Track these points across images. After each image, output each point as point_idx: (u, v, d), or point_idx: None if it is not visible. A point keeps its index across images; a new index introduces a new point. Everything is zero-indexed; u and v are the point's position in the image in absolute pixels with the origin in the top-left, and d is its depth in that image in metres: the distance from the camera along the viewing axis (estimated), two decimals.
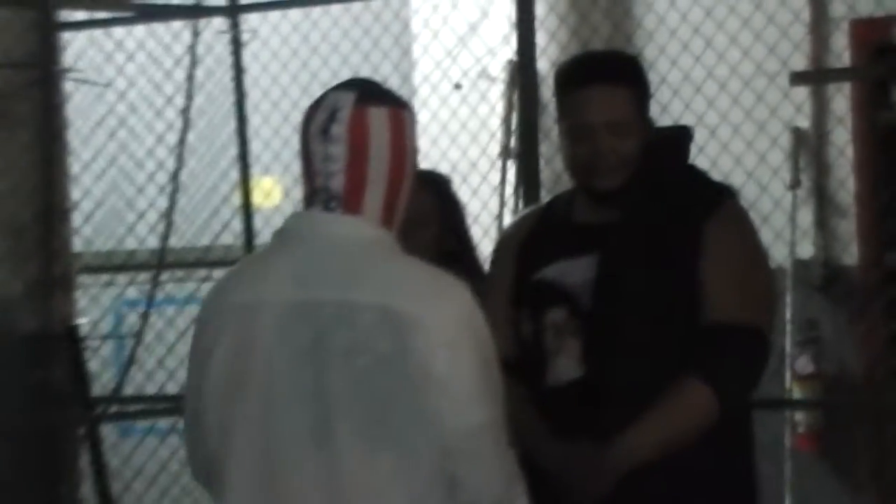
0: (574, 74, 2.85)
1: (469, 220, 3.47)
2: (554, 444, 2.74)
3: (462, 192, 4.23)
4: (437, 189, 3.27)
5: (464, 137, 5.11)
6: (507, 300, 2.90)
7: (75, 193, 4.91)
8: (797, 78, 4.45)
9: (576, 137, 2.80)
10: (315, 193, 2.27)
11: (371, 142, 2.23)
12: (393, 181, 2.26)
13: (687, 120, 4.03)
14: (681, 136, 2.96)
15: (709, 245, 2.75)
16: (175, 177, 5.25)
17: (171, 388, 4.92)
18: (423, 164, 5.15)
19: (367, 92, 2.27)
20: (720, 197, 2.84)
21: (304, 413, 2.16)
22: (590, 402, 2.75)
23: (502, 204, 5.49)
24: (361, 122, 2.23)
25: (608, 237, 2.80)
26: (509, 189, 5.31)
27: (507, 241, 3.01)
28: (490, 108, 5.29)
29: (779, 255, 4.83)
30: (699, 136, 3.32)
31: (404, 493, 2.16)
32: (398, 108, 2.28)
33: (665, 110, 4.22)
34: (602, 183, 2.81)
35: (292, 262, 2.25)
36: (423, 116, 5.48)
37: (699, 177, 2.92)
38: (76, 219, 4.94)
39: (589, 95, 2.79)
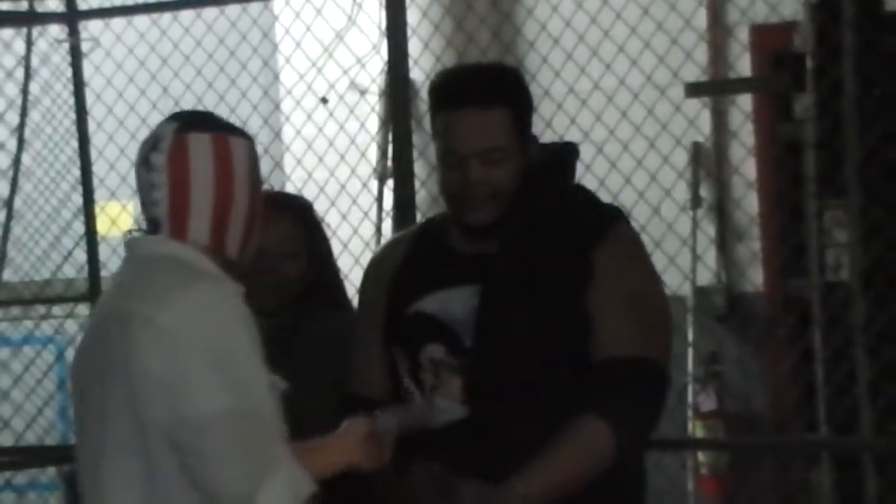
0: (443, 94, 2.79)
1: (338, 248, 3.40)
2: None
3: (330, 217, 4.12)
4: (301, 216, 3.21)
5: (331, 156, 5.00)
6: (378, 335, 2.84)
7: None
8: (693, 89, 4.44)
9: (447, 163, 2.77)
10: (146, 221, 2.47)
11: (191, 167, 2.41)
12: (219, 207, 2.43)
13: (573, 136, 3.95)
14: (565, 154, 2.90)
15: (597, 274, 2.73)
16: (9, 203, 5.15)
17: (6, 440, 4.74)
18: (288, 186, 5.06)
19: (191, 120, 2.48)
20: (608, 221, 2.80)
21: (88, 424, 2.44)
22: (472, 443, 2.71)
23: (379, 229, 5.40)
24: (181, 148, 2.42)
25: (489, 267, 2.76)
26: (384, 212, 5.21)
27: (376, 271, 2.94)
28: (360, 123, 5.19)
29: (675, 281, 4.78)
30: (586, 154, 3.27)
31: (131, 487, 2.36)
32: (224, 135, 2.45)
33: (549, 126, 4.15)
34: (474, 217, 2.76)
35: (112, 283, 2.52)
36: (287, 133, 5.36)
37: (586, 198, 2.87)
38: None
39: (459, 120, 2.74)
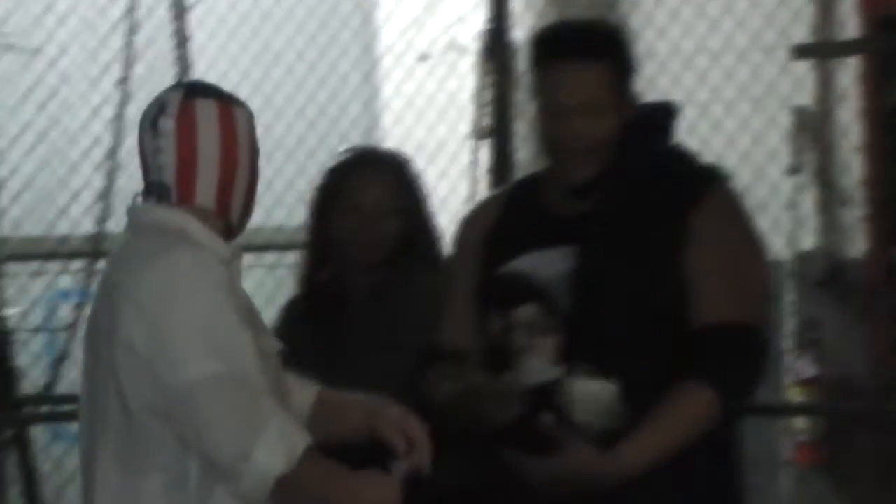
0: (546, 48, 2.80)
1: (436, 206, 3.41)
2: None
3: (429, 175, 4.16)
4: (397, 173, 3.23)
5: (431, 114, 5.04)
6: (470, 297, 2.86)
7: (1, 171, 4.83)
8: (800, 51, 4.40)
9: (548, 116, 2.78)
10: (150, 186, 2.50)
11: (199, 133, 2.46)
12: (225, 172, 2.48)
13: (675, 96, 3.95)
14: (664, 113, 2.89)
15: (696, 236, 2.72)
16: (113, 154, 5.17)
17: None
18: (387, 143, 5.11)
19: (195, 88, 2.53)
20: (707, 181, 2.79)
21: (89, 396, 2.49)
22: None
23: (474, 187, 5.42)
24: (188, 114, 2.46)
25: (584, 227, 2.77)
26: (481, 171, 5.24)
27: (468, 232, 2.96)
28: (460, 81, 5.21)
29: (776, 246, 4.76)
30: (689, 115, 3.27)
31: (120, 464, 2.42)
32: (228, 104, 2.50)
33: (652, 86, 4.15)
34: (575, 174, 2.77)
35: (115, 251, 2.58)
36: (386, 91, 5.41)
37: (685, 158, 2.86)
38: (2, 200, 4.86)
39: (562, 73, 2.75)
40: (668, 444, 2.69)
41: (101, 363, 2.43)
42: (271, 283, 5.41)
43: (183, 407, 2.37)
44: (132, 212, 2.51)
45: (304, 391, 2.68)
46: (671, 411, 2.69)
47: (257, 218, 5.80)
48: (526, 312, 2.79)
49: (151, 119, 2.47)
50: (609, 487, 2.68)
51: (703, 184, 2.78)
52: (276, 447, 2.37)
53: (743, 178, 4.08)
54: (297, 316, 3.26)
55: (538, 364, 2.77)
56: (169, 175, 2.46)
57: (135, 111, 5.38)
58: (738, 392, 2.74)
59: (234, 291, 2.45)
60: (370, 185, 3.16)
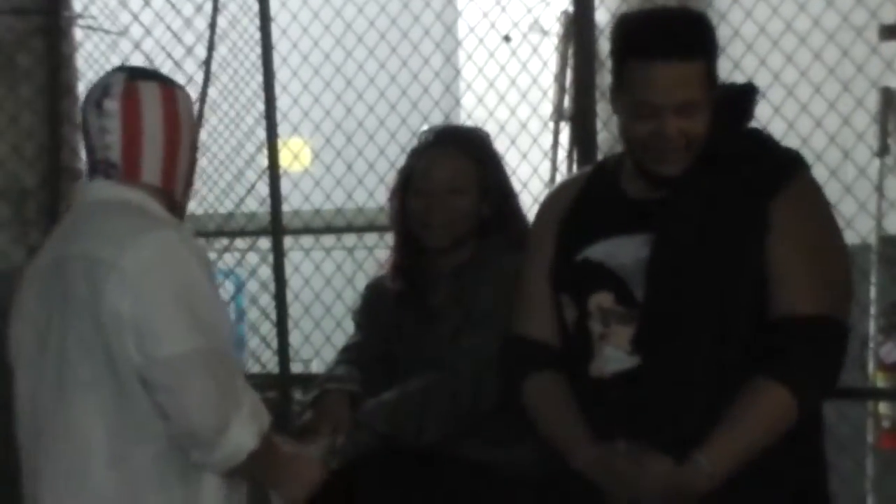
0: (636, 43, 2.75)
1: (517, 187, 3.41)
2: (598, 450, 2.73)
3: (510, 156, 4.19)
4: (469, 150, 3.22)
5: (513, 95, 5.06)
6: (546, 282, 2.87)
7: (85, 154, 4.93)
8: (888, 31, 4.36)
9: (639, 115, 2.74)
10: (96, 164, 2.63)
11: (144, 113, 2.60)
12: (169, 151, 2.61)
13: (762, 77, 3.94)
14: (746, 96, 2.87)
15: (776, 226, 2.71)
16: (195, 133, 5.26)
17: None
18: (468, 124, 5.14)
19: (137, 71, 2.69)
20: (787, 170, 2.76)
21: (46, 364, 2.58)
22: (639, 395, 2.72)
23: (554, 169, 5.45)
24: (133, 95, 2.61)
25: (662, 214, 2.75)
26: (562, 153, 5.26)
27: (545, 215, 2.96)
28: (542, 63, 5.23)
29: (863, 228, 4.74)
30: (776, 96, 3.25)
31: (101, 424, 2.53)
32: (170, 86, 2.66)
33: (738, 67, 4.14)
34: (665, 169, 2.76)
35: (62, 226, 2.69)
36: (468, 72, 5.44)
37: (765, 144, 2.84)
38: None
39: (657, 72, 2.70)
40: (746, 448, 2.66)
41: (71, 332, 2.54)
42: (350, 265, 5.48)
43: (165, 379, 2.49)
44: (83, 189, 2.67)
45: None
46: (747, 413, 2.65)
47: (338, 200, 5.89)
48: (601, 300, 2.79)
49: (96, 100, 2.62)
50: (694, 499, 2.66)
51: (784, 173, 2.75)
52: (249, 424, 2.51)
53: (830, 160, 4.06)
54: (382, 296, 3.29)
55: (614, 353, 2.77)
56: (115, 153, 2.59)
57: (216, 93, 5.47)
58: (815, 390, 2.70)
59: (209, 267, 2.63)
60: (438, 166, 3.17)
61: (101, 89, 2.63)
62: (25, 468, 2.67)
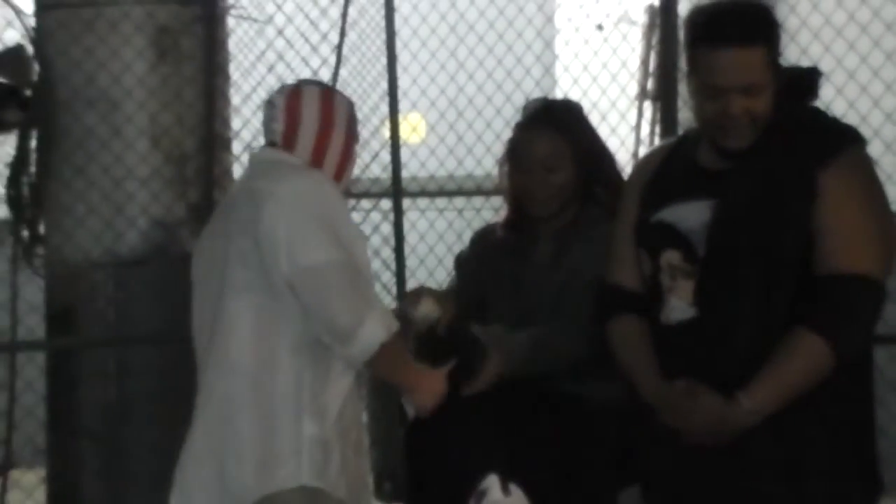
0: (702, 31, 2.75)
1: None
2: (663, 385, 2.76)
3: (601, 132, 4.20)
4: (559, 127, 3.16)
5: (604, 77, 5.06)
6: (631, 239, 2.89)
7: (236, 124, 4.99)
8: None
9: (707, 95, 2.74)
10: (267, 144, 2.91)
11: (303, 109, 2.86)
12: (321, 137, 2.85)
13: (826, 63, 3.92)
14: (807, 78, 2.87)
15: (824, 194, 2.70)
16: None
17: None
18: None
19: (308, 81, 3.03)
20: (838, 144, 2.75)
21: (214, 274, 2.80)
22: (699, 342, 2.74)
23: (638, 143, 5.44)
24: (296, 95, 2.89)
25: (724, 183, 2.76)
26: (646, 129, 5.25)
27: (633, 180, 2.98)
28: (630, 49, 5.22)
29: None
30: (838, 79, 3.23)
31: (250, 322, 2.72)
32: (331, 92, 2.95)
33: (805, 53, 4.12)
34: (733, 143, 2.76)
35: (238, 180, 3.06)
36: (565, 56, 5.45)
37: (821, 120, 2.83)
38: (237, 148, 5.04)
39: (721, 58, 2.70)
40: (784, 391, 2.67)
41: (233, 246, 2.75)
42: (460, 224, 5.54)
43: (312, 282, 2.66)
44: (256, 153, 2.93)
45: None
46: (786, 360, 2.66)
47: (450, 167, 5.92)
48: (670, 257, 2.80)
49: (270, 98, 2.91)
50: (736, 433, 2.68)
51: (836, 145, 2.73)
52: (381, 321, 2.66)
53: (887, 136, 4.02)
54: (489, 243, 3.26)
55: (678, 304, 2.78)
56: (278, 136, 2.85)
57: (346, 73, 5.53)
58: (849, 341, 2.69)
59: (347, 206, 2.85)
60: (537, 142, 3.13)
61: (277, 91, 2.93)
62: (199, 363, 2.86)
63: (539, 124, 3.16)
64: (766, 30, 2.75)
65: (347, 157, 2.90)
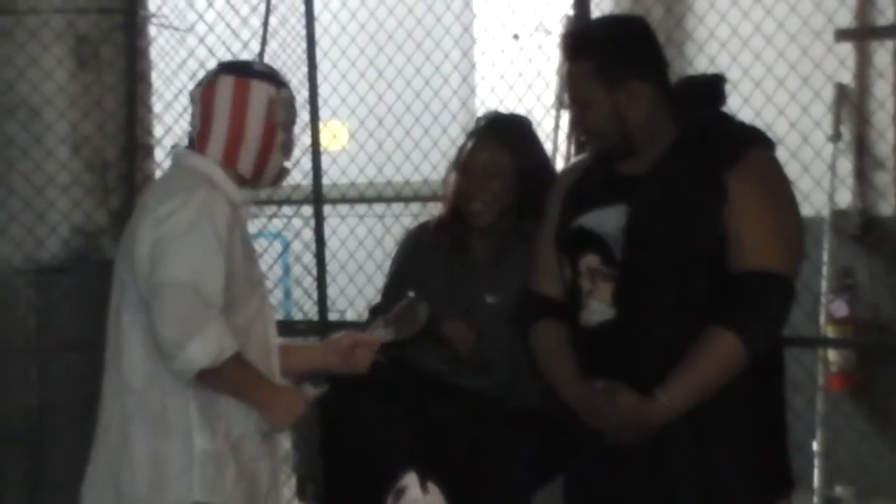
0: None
1: None
2: (582, 386, 2.78)
3: None
4: (503, 138, 3.18)
5: (520, 86, 5.08)
6: (553, 246, 2.91)
7: (158, 131, 4.96)
8: (842, 35, 4.37)
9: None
10: (189, 140, 2.81)
11: (216, 101, 2.73)
12: (232, 131, 2.72)
13: (733, 72, 3.97)
14: (711, 86, 2.89)
15: (732, 195, 2.72)
16: None
17: None
18: (481, 111, 5.17)
19: (226, 65, 2.82)
20: (743, 146, 2.77)
21: (118, 284, 2.77)
22: (619, 341, 2.76)
23: (555, 151, 5.47)
24: (210, 86, 2.75)
25: (639, 187, 2.79)
26: (562, 137, 5.28)
27: (556, 188, 3.00)
28: (546, 59, 5.25)
29: (818, 202, 4.77)
30: (745, 88, 3.27)
31: (140, 340, 2.69)
32: (248, 79, 2.73)
33: (712, 63, 4.17)
34: (593, 151, 2.85)
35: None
36: (482, 65, 5.46)
37: (729, 125, 2.86)
38: (159, 155, 4.99)
39: (566, 71, 2.83)
40: (700, 386, 2.68)
41: (124, 262, 2.72)
42: (380, 230, 5.53)
43: (153, 298, 2.63)
44: (175, 154, 2.80)
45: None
46: (700, 356, 2.68)
47: (370, 174, 5.87)
48: (589, 261, 2.83)
49: (192, 90, 2.78)
50: (654, 428, 2.70)
51: (739, 148, 2.75)
52: (205, 346, 2.58)
53: (791, 143, 4.08)
54: (427, 241, 3.26)
55: (598, 306, 2.80)
56: (195, 132, 2.74)
57: None
58: (762, 337, 2.70)
59: (238, 226, 2.68)
60: (481, 149, 3.15)
61: (198, 82, 2.79)
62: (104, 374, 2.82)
63: (485, 134, 3.19)
64: (595, 46, 2.77)
65: (269, 148, 2.73)
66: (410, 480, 2.73)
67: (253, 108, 2.72)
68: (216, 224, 2.64)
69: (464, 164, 3.18)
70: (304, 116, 5.10)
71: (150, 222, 2.66)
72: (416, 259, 3.27)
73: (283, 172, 2.77)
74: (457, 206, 3.21)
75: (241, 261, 2.68)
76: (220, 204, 2.66)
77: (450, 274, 3.18)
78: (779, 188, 2.78)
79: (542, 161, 3.24)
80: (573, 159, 3.32)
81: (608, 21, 2.91)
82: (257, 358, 2.71)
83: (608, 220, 2.80)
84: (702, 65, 2.89)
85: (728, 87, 2.91)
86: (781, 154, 2.96)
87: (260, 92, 2.73)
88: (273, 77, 2.77)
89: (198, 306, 2.59)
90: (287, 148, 2.77)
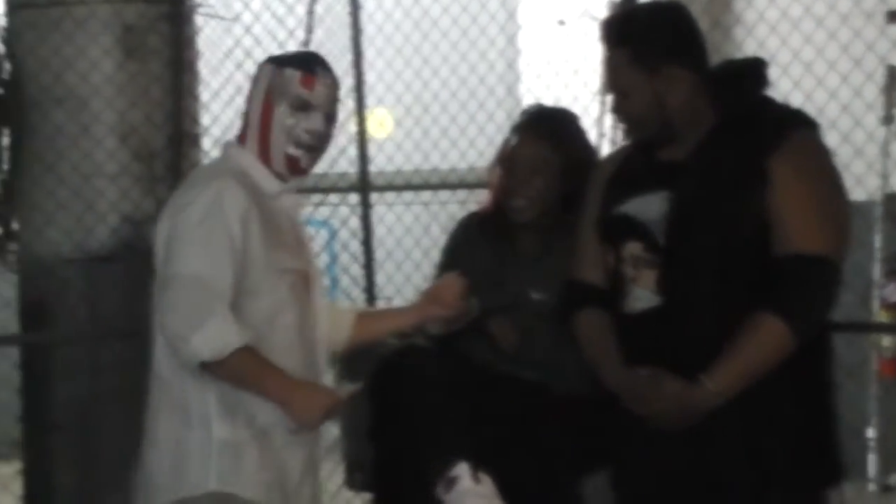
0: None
1: None
2: (627, 373, 2.77)
3: None
4: (548, 132, 3.13)
5: (566, 72, 5.05)
6: (594, 233, 2.90)
7: (205, 120, 4.97)
8: (894, 16, 4.30)
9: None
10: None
11: (253, 93, 2.71)
12: (249, 119, 2.70)
13: (783, 56, 3.92)
14: (754, 69, 2.86)
15: (775, 178, 2.70)
16: None
17: None
18: (527, 98, 5.15)
19: (275, 57, 2.76)
20: (785, 130, 2.75)
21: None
22: (664, 328, 2.75)
23: (601, 136, 5.45)
24: (255, 77, 2.71)
25: (680, 173, 2.77)
26: (608, 122, 5.25)
27: (597, 176, 2.99)
28: (592, 44, 5.21)
29: (870, 186, 4.71)
30: (795, 72, 3.23)
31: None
32: (265, 64, 2.70)
33: (762, 46, 4.12)
34: (631, 138, 2.84)
35: None
36: (528, 51, 5.45)
37: (771, 108, 2.83)
38: (205, 144, 5.01)
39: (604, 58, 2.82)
40: (746, 372, 2.67)
41: (159, 248, 2.70)
42: (426, 217, 5.54)
43: (162, 290, 2.62)
44: (223, 146, 2.78)
45: (345, 311, 2.90)
46: (746, 342, 2.66)
47: (416, 161, 5.89)
48: (632, 248, 2.81)
49: None
50: (700, 415, 2.68)
51: (783, 130, 2.73)
52: (207, 339, 2.55)
53: (843, 126, 4.03)
54: (473, 235, 3.23)
55: (642, 293, 2.79)
56: (242, 123, 2.72)
57: None
58: (807, 321, 2.69)
59: (261, 216, 2.63)
60: (525, 145, 3.11)
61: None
62: None
63: (530, 129, 3.14)
64: (631, 33, 2.76)
65: (266, 128, 2.66)
66: (462, 470, 2.71)
67: (257, 91, 2.70)
68: (226, 217, 2.60)
69: (507, 160, 3.15)
70: (350, 104, 5.12)
71: (167, 214, 2.67)
72: (464, 252, 3.25)
73: (291, 161, 2.68)
74: (499, 203, 3.17)
75: (259, 250, 2.63)
76: (231, 196, 2.61)
77: (495, 268, 3.16)
78: (823, 170, 2.76)
79: (587, 155, 3.19)
80: (612, 142, 3.31)
81: (644, 8, 2.88)
82: (282, 349, 2.67)
83: (650, 206, 2.78)
84: (751, 48, 2.85)
85: (778, 71, 2.91)
86: (833, 138, 2.93)
87: (265, 74, 2.70)
88: (288, 60, 2.71)
89: (202, 299, 2.57)
90: (292, 134, 2.68)
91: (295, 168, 2.70)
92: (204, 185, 2.65)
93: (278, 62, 2.71)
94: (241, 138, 2.71)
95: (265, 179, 2.68)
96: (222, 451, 2.63)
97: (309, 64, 2.72)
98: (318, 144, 2.72)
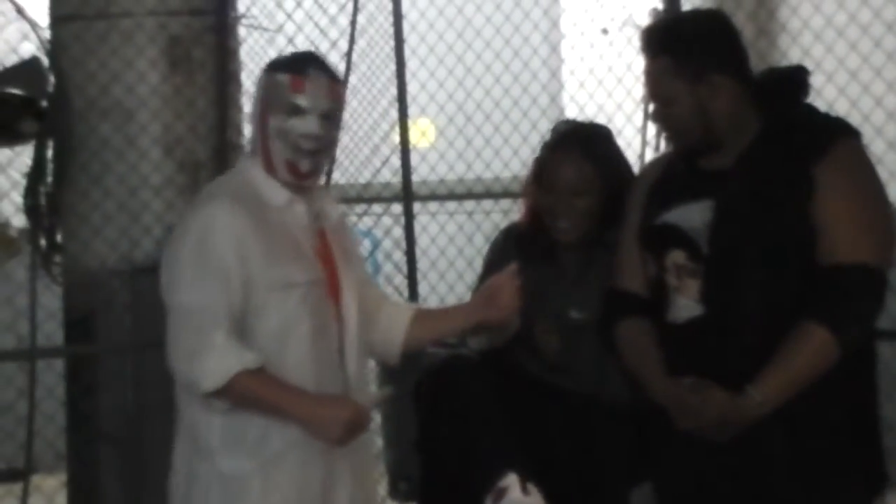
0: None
1: None
2: (671, 384, 2.76)
3: None
4: (588, 151, 3.10)
5: (610, 80, 5.05)
6: (636, 243, 2.90)
7: (248, 131, 5.01)
8: None
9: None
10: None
11: (253, 100, 2.66)
12: (261, 135, 2.63)
13: (828, 63, 3.90)
14: (796, 77, 2.85)
15: (820, 187, 2.70)
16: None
17: None
18: (570, 107, 5.15)
19: (276, 60, 2.69)
20: (829, 138, 2.75)
21: None
22: (708, 338, 2.74)
23: (644, 145, 5.43)
24: (257, 84, 2.67)
25: (723, 182, 2.76)
26: (652, 131, 5.24)
27: (639, 185, 2.99)
28: (635, 52, 5.20)
29: None
30: (840, 79, 3.21)
31: None
32: (272, 73, 2.62)
33: (807, 54, 4.10)
34: (676, 146, 2.83)
35: None
36: (571, 60, 5.45)
37: (815, 116, 2.83)
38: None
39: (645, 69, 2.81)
40: (791, 382, 2.67)
41: None
42: (470, 226, 5.55)
43: (168, 318, 2.62)
44: (240, 158, 2.79)
45: (403, 308, 2.85)
46: (792, 352, 2.66)
47: (459, 171, 5.90)
48: (675, 257, 2.80)
49: None
50: (745, 425, 2.69)
51: (826, 140, 2.73)
52: (207, 370, 2.54)
53: (889, 133, 4.00)
54: (513, 249, 3.20)
55: (685, 303, 2.79)
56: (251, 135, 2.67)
57: (356, 80, 5.54)
58: (853, 330, 2.68)
59: (259, 230, 2.57)
60: (565, 165, 3.08)
61: None
62: None
63: (568, 147, 3.11)
64: (673, 42, 2.75)
65: (262, 134, 2.60)
66: (511, 481, 2.70)
67: (256, 100, 2.64)
68: (217, 243, 2.54)
69: (548, 181, 3.11)
70: (392, 114, 5.15)
71: (171, 238, 2.66)
72: (504, 267, 3.24)
73: (292, 168, 2.59)
74: (540, 219, 3.15)
75: (261, 269, 2.56)
76: (223, 220, 2.55)
77: (536, 284, 3.12)
78: (867, 179, 2.76)
79: (626, 171, 3.17)
80: (655, 151, 3.31)
81: (685, 16, 2.89)
82: (295, 362, 2.60)
83: (693, 215, 2.77)
84: (795, 56, 2.85)
85: (823, 78, 2.89)
86: (879, 145, 2.91)
87: (261, 81, 2.64)
88: (280, 64, 2.62)
89: (197, 331, 2.55)
90: (289, 141, 2.58)
91: (297, 174, 2.61)
92: (200, 208, 2.60)
93: (272, 67, 2.64)
94: (254, 150, 2.66)
95: (272, 191, 2.61)
96: (225, 484, 2.61)
97: (299, 66, 2.60)
98: (318, 147, 2.61)
